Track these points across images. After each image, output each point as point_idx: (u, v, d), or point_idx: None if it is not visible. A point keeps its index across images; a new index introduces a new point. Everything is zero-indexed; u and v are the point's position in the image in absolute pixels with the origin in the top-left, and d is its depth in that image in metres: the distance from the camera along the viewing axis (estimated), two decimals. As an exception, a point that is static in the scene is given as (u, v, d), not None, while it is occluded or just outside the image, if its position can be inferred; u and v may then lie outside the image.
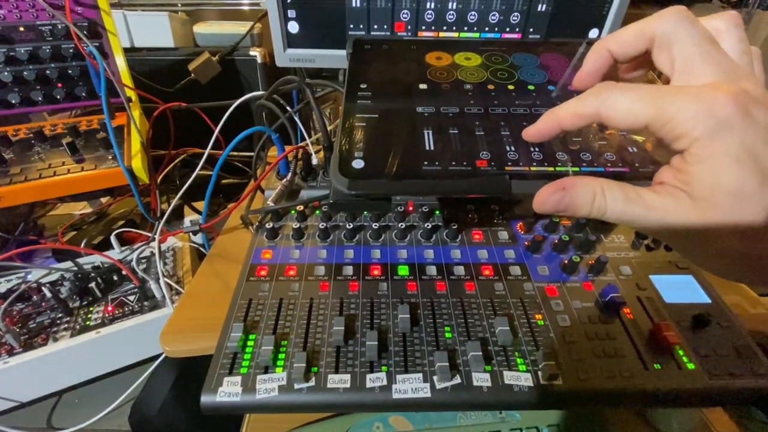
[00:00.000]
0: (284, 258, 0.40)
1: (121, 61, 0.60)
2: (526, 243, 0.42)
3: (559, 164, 0.24)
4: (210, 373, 0.31)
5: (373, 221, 0.44)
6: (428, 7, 0.54)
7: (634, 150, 0.25)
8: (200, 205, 0.75)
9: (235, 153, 0.79)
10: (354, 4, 0.54)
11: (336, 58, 0.57)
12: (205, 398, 0.30)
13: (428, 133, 0.27)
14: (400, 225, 0.43)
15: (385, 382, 0.31)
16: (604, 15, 0.56)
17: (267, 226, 0.43)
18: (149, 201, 0.71)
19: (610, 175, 0.23)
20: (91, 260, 0.56)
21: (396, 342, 0.33)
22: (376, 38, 0.40)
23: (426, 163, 0.24)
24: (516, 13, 0.55)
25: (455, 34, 0.56)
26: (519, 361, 0.32)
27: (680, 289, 0.38)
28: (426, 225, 0.42)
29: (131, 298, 0.51)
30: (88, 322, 0.48)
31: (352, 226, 0.42)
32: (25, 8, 0.56)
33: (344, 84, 0.32)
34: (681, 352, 0.33)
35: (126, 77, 0.60)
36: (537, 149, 0.25)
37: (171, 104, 0.66)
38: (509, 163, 0.24)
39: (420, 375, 0.31)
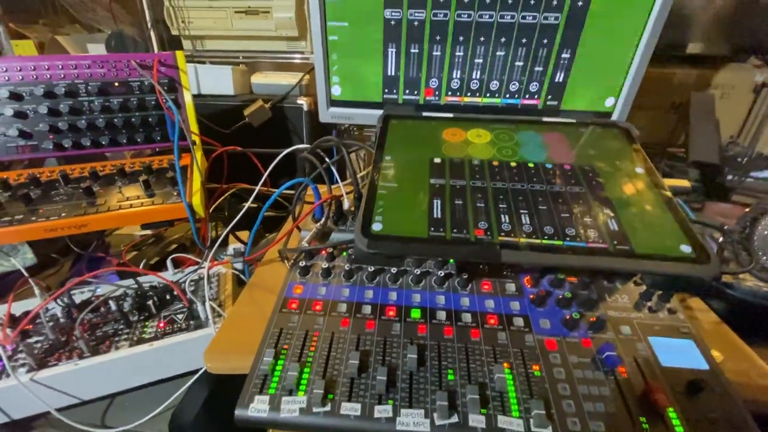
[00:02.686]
0: (312, 294, 0.46)
1: (190, 111, 0.71)
2: (531, 296, 0.45)
3: (546, 237, 0.29)
4: (244, 390, 0.37)
5: (392, 266, 0.49)
6: (455, 76, 0.61)
7: (615, 229, 0.29)
8: (244, 235, 0.83)
9: (275, 190, 0.89)
10: (389, 73, 0.63)
11: (372, 116, 0.65)
12: (239, 411, 0.36)
13: (437, 203, 0.32)
14: (416, 271, 0.48)
15: (390, 415, 0.35)
16: (619, 84, 0.61)
17: (300, 264, 0.49)
18: (199, 227, 0.81)
19: (590, 250, 0.27)
20: (149, 279, 0.65)
21: (403, 379, 0.37)
22: (402, 114, 0.47)
23: (432, 229, 0.30)
24: (535, 83, 0.60)
25: (479, 99, 0.62)
26: (514, 407, 0.35)
27: (679, 353, 0.40)
28: (440, 272, 0.47)
29: (180, 316, 0.59)
30: (144, 335, 0.55)
31: (373, 269, 0.48)
32: (121, 68, 0.68)
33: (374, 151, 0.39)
34: (673, 415, 0.35)
35: (193, 124, 0.71)
36: (528, 222, 0.30)
37: (228, 148, 0.76)
38: (502, 233, 0.29)
39: (422, 411, 0.35)
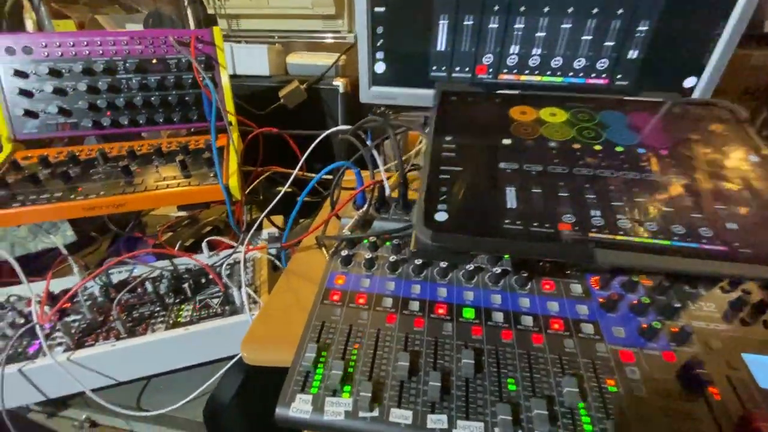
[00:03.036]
0: (355, 286, 0.43)
1: (227, 91, 0.69)
2: (601, 300, 0.40)
3: (649, 235, 0.24)
4: (285, 388, 0.34)
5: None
6: (512, 51, 0.55)
7: (734, 228, 0.24)
8: (277, 219, 0.81)
9: (310, 174, 0.86)
10: (439, 48, 0.57)
11: (416, 96, 0.61)
12: (280, 410, 0.33)
13: (510, 191, 0.28)
14: (468, 266, 0.44)
15: (445, 426, 0.31)
16: (703, 62, 0.53)
17: (342, 252, 0.46)
18: (234, 210, 0.79)
19: (705, 252, 0.22)
20: (184, 262, 0.64)
21: (458, 386, 0.34)
22: (462, 90, 0.42)
23: (507, 221, 0.25)
24: (604, 60, 0.54)
25: (537, 78, 0.56)
26: (587, 427, 0.31)
27: (781, 374, 0.34)
28: (495, 269, 0.43)
29: (215, 301, 0.57)
30: (179, 319, 0.54)
31: (420, 261, 0.44)
32: (158, 44, 0.66)
33: (428, 132, 0.34)
34: (780, 449, 0.29)
35: (229, 104, 0.69)
36: (624, 217, 0.25)
37: (264, 129, 0.73)
38: (594, 229, 0.24)
39: (481, 425, 0.31)
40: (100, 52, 0.64)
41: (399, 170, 0.46)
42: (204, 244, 0.65)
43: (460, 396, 0.33)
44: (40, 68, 0.61)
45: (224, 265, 0.60)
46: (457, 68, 0.59)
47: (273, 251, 0.68)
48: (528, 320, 0.39)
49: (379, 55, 0.59)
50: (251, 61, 0.94)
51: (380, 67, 0.60)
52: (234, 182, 0.59)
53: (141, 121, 0.66)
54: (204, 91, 0.63)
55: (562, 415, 0.32)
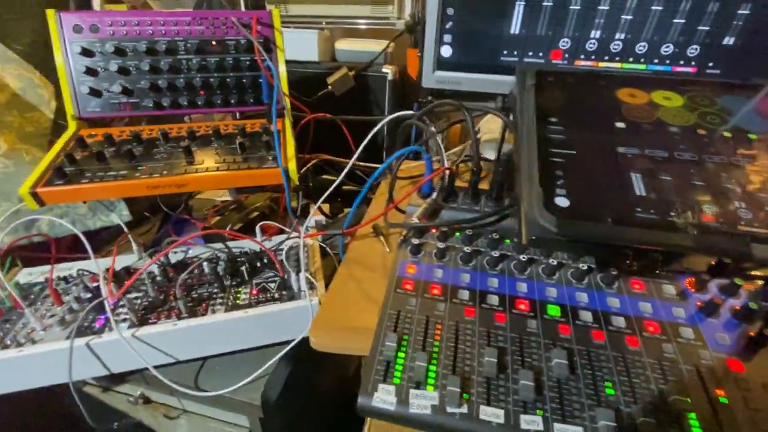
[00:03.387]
0: (428, 275, 0.41)
1: (283, 74, 0.68)
2: (699, 303, 0.37)
3: (809, 232, 0.21)
4: (365, 377, 0.33)
5: (518, 253, 0.43)
6: (592, 36, 0.52)
7: None
8: (324, 206, 0.81)
9: (340, 159, 0.84)
10: (513, 31, 0.55)
11: (483, 82, 0.58)
12: (362, 400, 0.32)
13: (636, 177, 0.25)
14: (550, 261, 0.41)
15: (540, 428, 0.29)
16: (809, 50, 0.48)
17: (412, 241, 0.44)
18: (278, 197, 0.79)
19: None
20: (238, 245, 0.64)
21: (551, 387, 0.32)
22: (559, 70, 0.39)
23: (639, 209, 0.23)
24: (695, 46, 0.50)
25: (617, 65, 0.53)
26: (700, 439, 0.28)
27: None
28: (579, 265, 0.40)
29: (272, 285, 0.57)
30: (238, 301, 0.54)
31: (498, 254, 0.42)
32: (218, 25, 0.66)
33: (520, 114, 0.32)
34: None
35: (285, 87, 0.68)
36: (776, 211, 0.22)
37: (318, 114, 0.72)
38: (742, 222, 0.22)
39: (580, 429, 0.29)
40: (163, 31, 0.64)
41: (474, 157, 0.44)
42: (258, 228, 0.64)
43: (553, 397, 0.31)
44: (106, 47, 0.62)
45: (283, 251, 0.60)
46: (530, 53, 0.56)
47: (320, 238, 0.68)
48: (620, 321, 0.36)
49: (447, 38, 0.56)
50: (300, 46, 0.93)
51: (447, 51, 0.57)
52: (293, 166, 0.58)
53: (199, 103, 0.66)
54: (264, 73, 0.62)
55: (669, 424, 0.29)
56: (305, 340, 0.43)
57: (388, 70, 0.90)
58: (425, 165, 0.47)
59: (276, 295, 0.54)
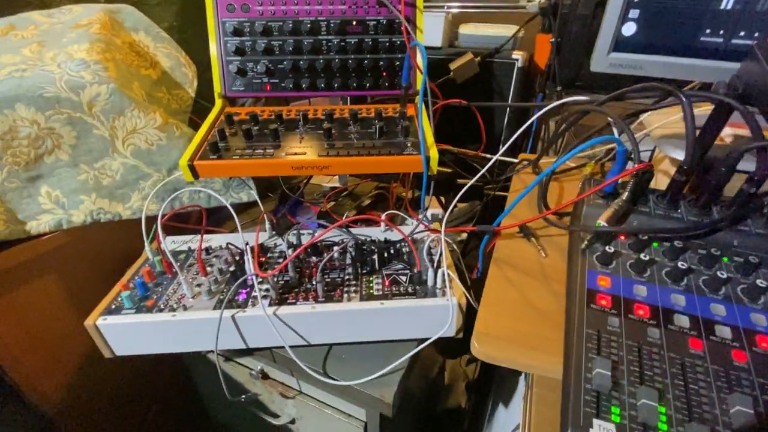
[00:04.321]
0: (627, 292, 0.35)
1: (420, 56, 0.64)
2: None
3: None
4: (574, 407, 0.28)
5: (744, 276, 0.34)
6: None
7: None
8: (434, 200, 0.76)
9: (467, 151, 0.78)
10: (724, 6, 0.45)
11: (672, 66, 0.49)
12: (574, 435, 0.27)
13: None
14: (802, 292, 0.32)
15: None
16: None
17: (598, 248, 0.38)
18: (387, 186, 0.76)
19: None
20: (360, 233, 0.62)
21: None
22: None
23: None
24: None
25: None
26: None
27: None
28: None
29: (402, 278, 0.54)
30: (371, 291, 0.51)
31: (725, 275, 0.34)
32: (361, 5, 0.64)
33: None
34: None
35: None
36: None
37: (451, 100, 0.68)
38: None
39: None
40: (308, 11, 0.63)
41: (692, 156, 0.36)
42: (383, 217, 0.62)
43: None
44: (256, 26, 0.63)
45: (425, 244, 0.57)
46: (742, 33, 0.45)
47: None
48: None
49: (633, 13, 0.48)
50: (426, 30, 0.89)
51: (630, 29, 0.49)
52: (435, 154, 0.54)
53: (336, 85, 0.65)
54: (410, 53, 0.59)
55: None
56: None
57: (519, 56, 0.83)
58: (617, 160, 0.40)
59: (410, 289, 0.51)
